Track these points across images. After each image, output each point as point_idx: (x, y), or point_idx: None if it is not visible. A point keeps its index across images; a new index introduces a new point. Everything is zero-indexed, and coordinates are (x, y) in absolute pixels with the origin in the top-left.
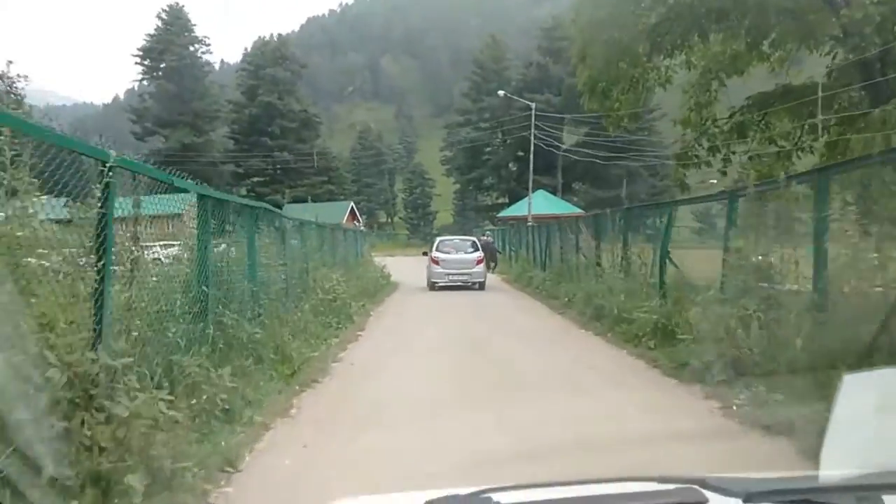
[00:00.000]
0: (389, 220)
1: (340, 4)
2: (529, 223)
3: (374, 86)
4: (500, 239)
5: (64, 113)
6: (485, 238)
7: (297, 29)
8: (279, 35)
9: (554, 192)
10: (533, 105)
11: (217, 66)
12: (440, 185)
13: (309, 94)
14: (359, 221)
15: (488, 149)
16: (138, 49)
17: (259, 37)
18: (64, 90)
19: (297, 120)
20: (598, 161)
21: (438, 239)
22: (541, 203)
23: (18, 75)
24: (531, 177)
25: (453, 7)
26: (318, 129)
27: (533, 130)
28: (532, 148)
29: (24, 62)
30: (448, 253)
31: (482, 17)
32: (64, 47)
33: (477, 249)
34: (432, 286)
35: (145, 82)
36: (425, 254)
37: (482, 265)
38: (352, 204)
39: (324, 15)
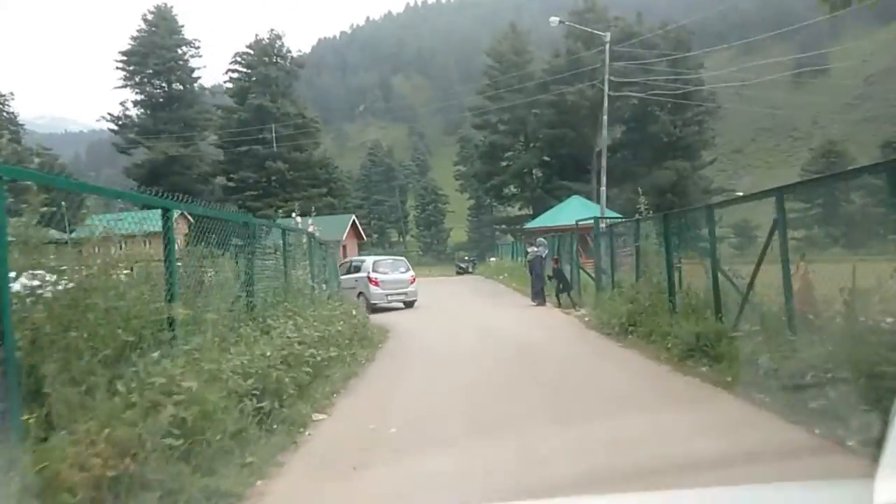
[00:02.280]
0: (401, 238)
1: (351, 26)
2: (604, 226)
3: (385, 105)
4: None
5: (80, 138)
6: (536, 250)
7: (308, 50)
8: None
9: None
10: (607, 36)
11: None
12: (454, 201)
13: (320, 113)
14: (363, 236)
15: (509, 153)
16: (120, 52)
17: (255, 35)
18: (83, 118)
19: (292, 125)
20: (639, 163)
21: (371, 259)
22: (577, 210)
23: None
24: (604, 147)
25: (465, 25)
26: (318, 135)
27: (607, 76)
28: (605, 103)
29: (45, 92)
30: (385, 273)
31: (494, 34)
32: (82, 77)
33: (408, 269)
34: (373, 308)
35: (128, 89)
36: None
37: (415, 284)
38: (353, 218)
39: (335, 37)
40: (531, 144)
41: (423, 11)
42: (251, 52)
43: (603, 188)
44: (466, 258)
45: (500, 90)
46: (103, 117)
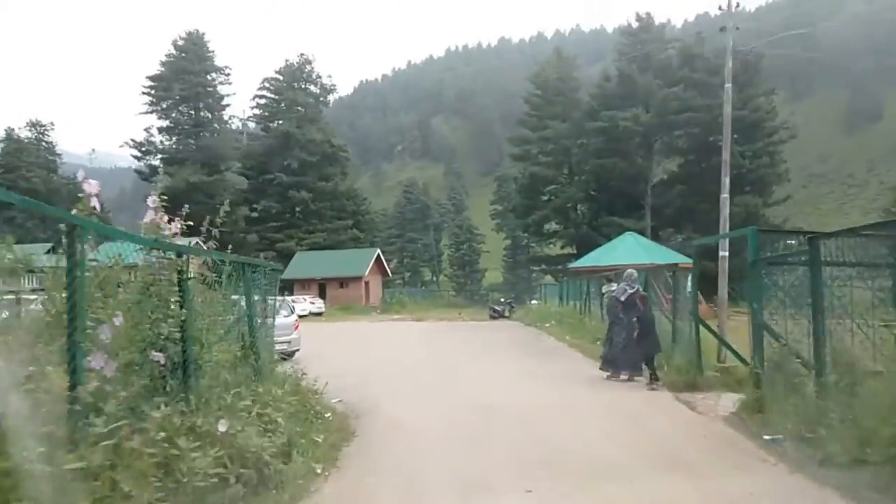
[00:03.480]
0: (434, 277)
1: (393, 69)
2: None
3: (423, 145)
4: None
5: (128, 174)
6: (616, 288)
7: (350, 92)
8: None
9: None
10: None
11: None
12: (489, 241)
13: (359, 153)
14: (388, 273)
15: (551, 187)
16: (147, 77)
17: (285, 60)
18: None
19: (318, 153)
20: (699, 199)
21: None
22: (632, 248)
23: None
24: (726, 154)
25: (504, 68)
26: (345, 164)
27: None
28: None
29: (97, 128)
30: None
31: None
32: (132, 115)
33: (292, 313)
34: None
35: (154, 115)
36: None
37: (298, 330)
38: (378, 252)
39: (376, 79)
40: (575, 177)
41: (463, 55)
42: (280, 77)
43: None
44: (502, 300)
45: (544, 118)
46: (126, 143)
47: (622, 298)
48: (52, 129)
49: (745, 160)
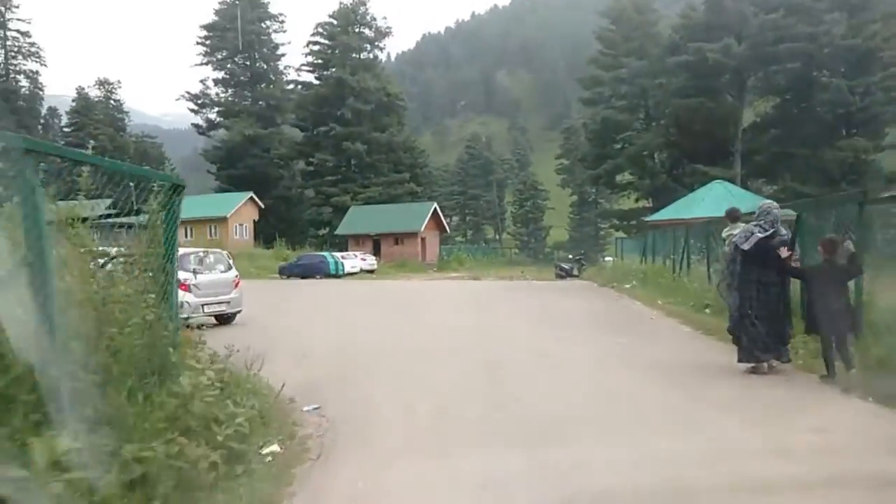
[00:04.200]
0: (497, 235)
1: (456, 21)
2: None
3: (487, 99)
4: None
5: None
6: (741, 232)
7: (412, 46)
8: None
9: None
10: None
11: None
12: (555, 198)
13: (421, 110)
14: (446, 229)
15: (625, 134)
16: (202, 26)
17: (339, 3)
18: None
19: (373, 101)
20: (797, 144)
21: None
22: (720, 198)
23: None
24: None
25: (574, 16)
26: (402, 114)
27: None
28: None
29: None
30: (198, 273)
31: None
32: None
33: (231, 268)
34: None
35: (210, 66)
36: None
37: (239, 289)
38: (434, 206)
39: (439, 32)
40: (653, 122)
41: (529, 3)
42: (334, 21)
43: None
44: (570, 257)
45: (618, 56)
46: (182, 96)
47: (745, 246)
48: (120, 87)
49: (856, 97)
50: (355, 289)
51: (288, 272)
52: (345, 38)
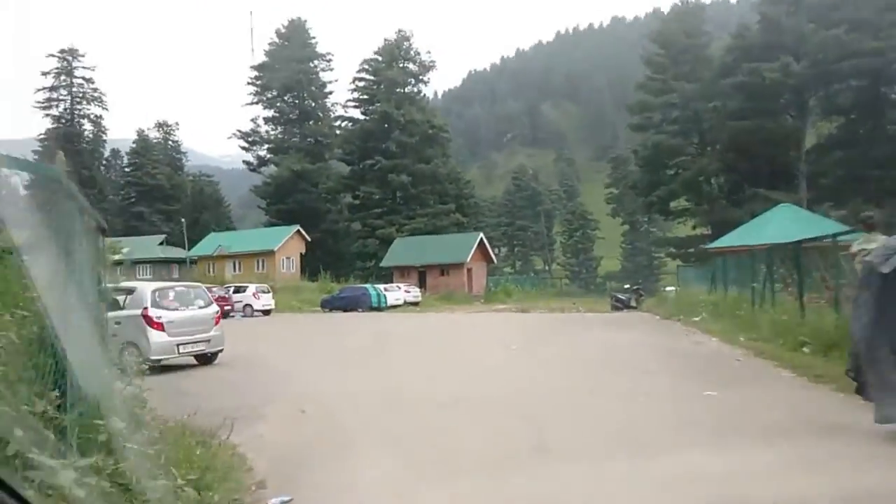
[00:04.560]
0: (546, 266)
1: (501, 58)
2: None
3: (533, 132)
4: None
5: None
6: (877, 250)
7: (458, 84)
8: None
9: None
10: None
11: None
12: (605, 228)
13: (468, 145)
14: (493, 260)
15: (679, 159)
16: (252, 67)
17: (384, 39)
18: None
19: (417, 133)
20: (867, 165)
21: (148, 288)
22: (788, 222)
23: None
24: None
25: (617, 48)
26: (446, 145)
27: None
28: None
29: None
30: (173, 309)
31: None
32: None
33: (210, 303)
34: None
35: (260, 105)
36: None
37: (220, 326)
38: (481, 236)
39: (485, 69)
40: (708, 147)
41: (573, 38)
42: (379, 57)
43: None
44: (627, 287)
45: (668, 80)
46: (234, 134)
47: (884, 269)
48: (178, 129)
49: None
50: (394, 322)
51: (330, 305)
52: (389, 72)
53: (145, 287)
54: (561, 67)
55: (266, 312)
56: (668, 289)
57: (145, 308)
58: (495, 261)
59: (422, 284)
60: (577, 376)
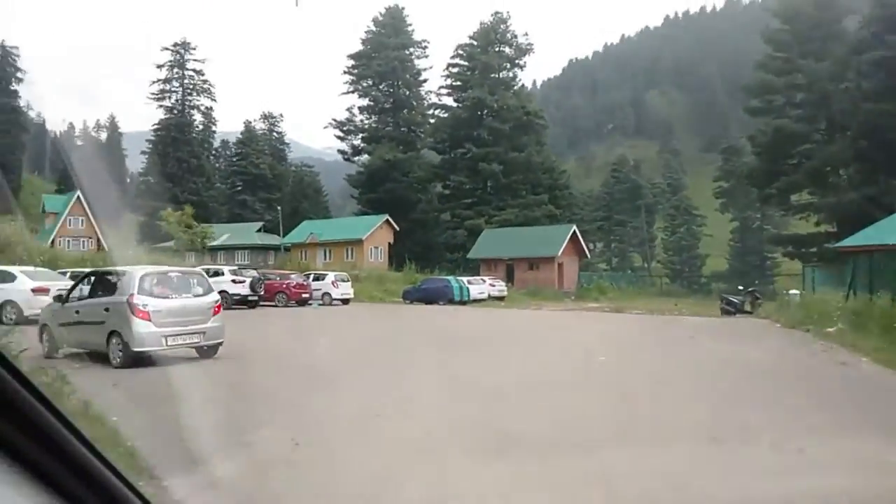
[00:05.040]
0: (645, 263)
1: (605, 45)
2: None
3: (636, 122)
4: None
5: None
6: None
7: (558, 73)
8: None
9: None
10: None
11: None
12: (712, 224)
13: (566, 135)
14: (586, 255)
15: (803, 147)
16: (348, 56)
17: (479, 23)
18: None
19: (511, 120)
20: None
21: (137, 273)
22: None
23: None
24: None
25: (731, 32)
26: (541, 133)
27: None
28: None
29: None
30: (164, 296)
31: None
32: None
33: (209, 291)
34: (131, 360)
35: (356, 94)
36: None
37: (219, 315)
38: (573, 229)
39: (586, 57)
40: (837, 133)
41: (683, 22)
42: (474, 42)
43: None
44: (741, 289)
45: (793, 58)
46: (329, 124)
47: None
48: (282, 120)
49: None
50: (470, 318)
51: (411, 297)
52: (484, 57)
53: (135, 271)
54: (669, 54)
55: (345, 301)
56: (791, 292)
57: (131, 294)
58: (589, 255)
59: (509, 278)
60: (686, 413)
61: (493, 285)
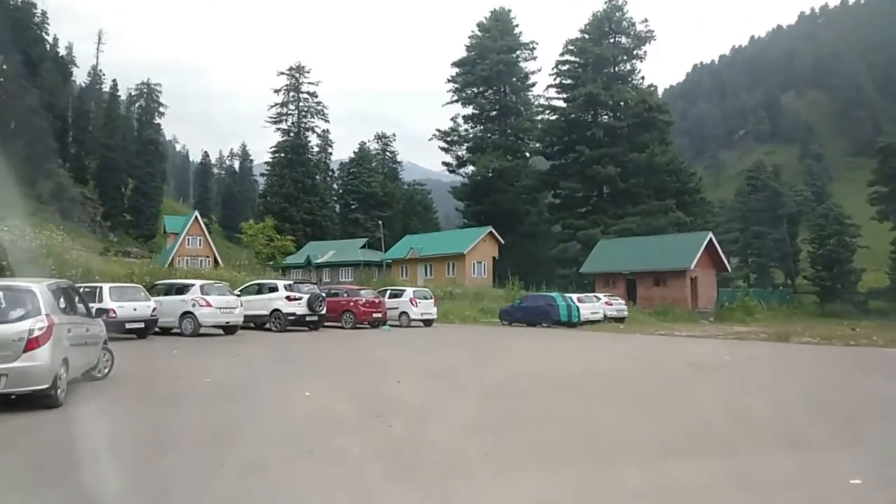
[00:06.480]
0: (789, 280)
1: (732, 47)
2: None
3: (771, 127)
4: None
5: None
6: None
7: (681, 79)
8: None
9: None
10: None
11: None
12: (868, 235)
13: (692, 143)
14: (726, 268)
15: None
16: (452, 63)
17: (592, 13)
18: None
19: (629, 115)
20: None
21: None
22: None
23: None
24: None
25: (879, 22)
26: (666, 130)
27: None
28: None
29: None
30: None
31: None
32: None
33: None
34: None
35: (460, 104)
36: None
37: (41, 351)
38: (710, 237)
39: (712, 61)
40: None
41: (821, 18)
42: (586, 35)
43: None
44: None
45: None
46: (433, 135)
47: None
48: (394, 140)
49: None
50: (574, 350)
51: (509, 317)
52: (597, 49)
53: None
54: (806, 52)
55: (427, 323)
56: None
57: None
58: (729, 269)
59: (630, 296)
60: None
61: (611, 304)
